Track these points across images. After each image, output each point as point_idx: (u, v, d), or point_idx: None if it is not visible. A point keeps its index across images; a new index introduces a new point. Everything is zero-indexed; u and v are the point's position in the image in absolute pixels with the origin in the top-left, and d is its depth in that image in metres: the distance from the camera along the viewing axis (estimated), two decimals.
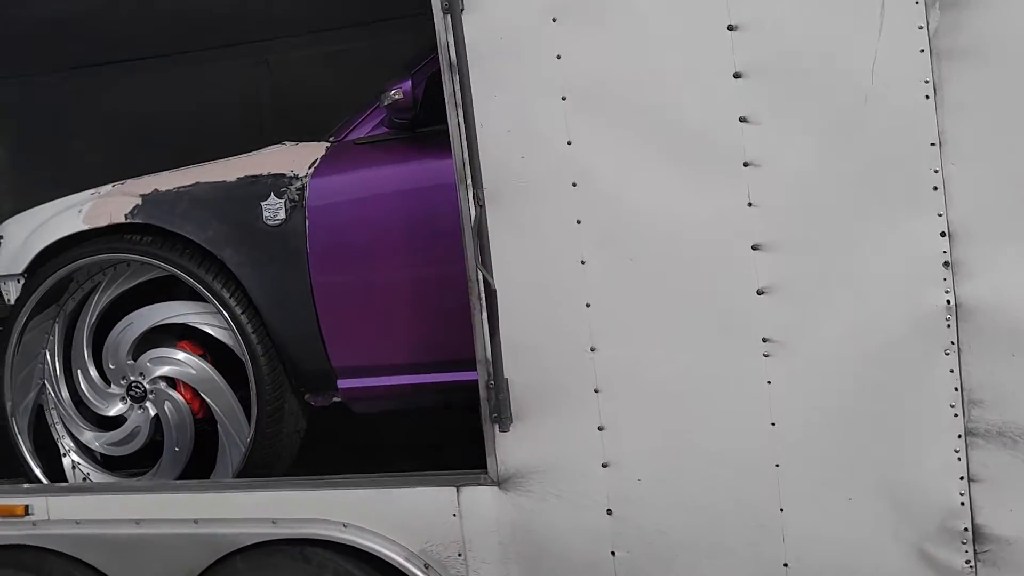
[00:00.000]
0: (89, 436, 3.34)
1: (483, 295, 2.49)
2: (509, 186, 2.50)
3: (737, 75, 2.37)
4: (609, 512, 2.52)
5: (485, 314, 2.55)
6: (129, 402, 3.28)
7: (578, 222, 2.48)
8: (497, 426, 2.57)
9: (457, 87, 2.52)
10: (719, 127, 2.39)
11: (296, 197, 3.03)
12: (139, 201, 3.16)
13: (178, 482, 3.13)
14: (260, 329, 3.08)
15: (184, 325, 3.27)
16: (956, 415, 2.32)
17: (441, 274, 2.91)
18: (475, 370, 2.79)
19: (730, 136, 2.38)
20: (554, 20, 2.45)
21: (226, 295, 3.08)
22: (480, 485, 2.60)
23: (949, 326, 2.30)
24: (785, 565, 2.42)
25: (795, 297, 2.38)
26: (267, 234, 3.06)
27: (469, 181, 2.54)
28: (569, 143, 2.48)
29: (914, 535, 2.36)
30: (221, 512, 2.78)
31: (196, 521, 2.78)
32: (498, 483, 2.59)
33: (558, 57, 2.46)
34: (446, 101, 2.55)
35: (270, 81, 4.94)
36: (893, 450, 2.36)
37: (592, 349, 2.50)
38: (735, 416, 2.43)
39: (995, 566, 2.32)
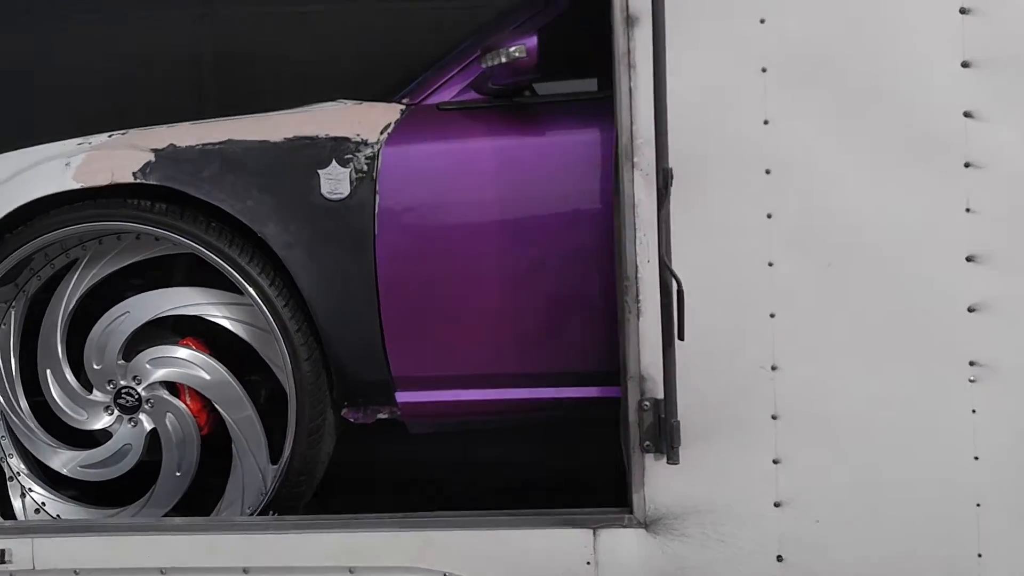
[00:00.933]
0: (56, 455, 2.63)
1: (660, 297, 2.06)
2: (687, 168, 2.09)
3: (965, 64, 2.07)
4: (780, 559, 2.14)
5: (641, 320, 2.12)
6: (117, 413, 2.60)
7: (768, 216, 2.11)
8: (650, 456, 2.15)
9: (632, 46, 2.10)
10: (940, 121, 2.08)
11: (364, 167, 2.49)
12: (151, 157, 2.51)
13: (221, 520, 2.49)
14: (305, 326, 2.50)
15: (181, 320, 2.65)
16: None
17: (543, 272, 2.46)
18: (588, 385, 2.38)
19: (951, 132, 2.08)
20: None
21: (264, 282, 2.49)
22: (623, 527, 2.16)
23: None
24: None
25: (1009, 317, 2.10)
26: (325, 210, 2.49)
27: (635, 159, 2.12)
28: (766, 122, 2.10)
29: None
30: (280, 559, 2.19)
31: (246, 571, 2.18)
32: (646, 525, 2.16)
33: (761, 21, 2.09)
34: (616, 62, 2.12)
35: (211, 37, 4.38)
36: None
37: (773, 368, 2.13)
38: (933, 449, 2.12)
39: None
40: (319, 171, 2.49)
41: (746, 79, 2.09)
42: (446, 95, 2.58)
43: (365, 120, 2.54)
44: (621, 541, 2.16)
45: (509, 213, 2.48)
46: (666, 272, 2.02)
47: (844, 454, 2.13)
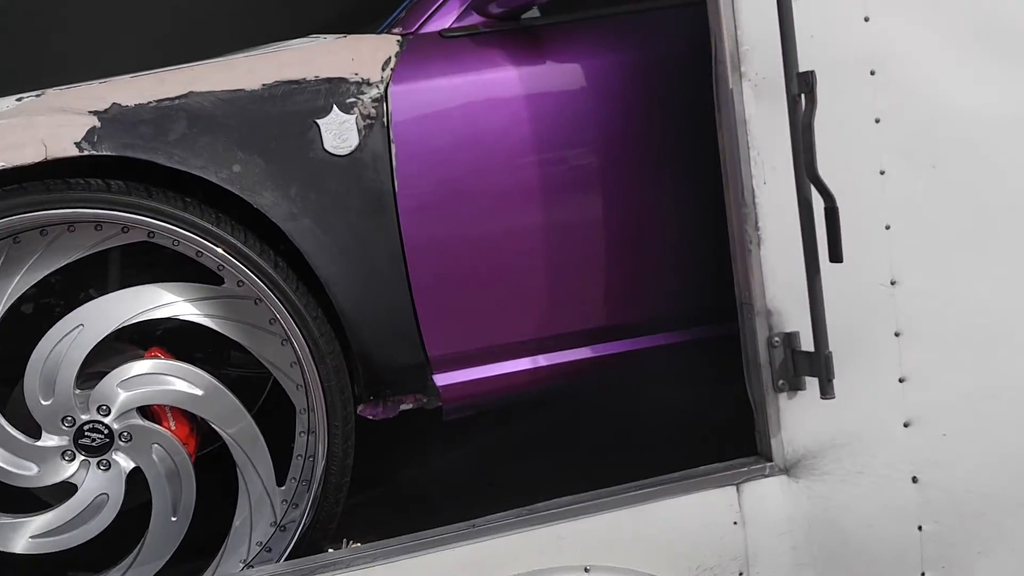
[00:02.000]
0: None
1: (800, 218, 1.85)
2: (780, 75, 1.88)
3: None
4: (914, 480, 2.03)
5: (763, 248, 1.91)
6: (82, 457, 2.00)
7: (877, 121, 1.96)
8: (783, 396, 1.95)
9: None
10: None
11: (372, 112, 2.05)
12: (95, 122, 1.92)
13: (307, 563, 1.96)
14: (320, 315, 2.04)
15: (126, 328, 2.08)
16: None
17: (592, 216, 2.18)
18: (664, 332, 2.16)
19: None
20: None
21: (267, 265, 1.99)
22: (766, 477, 1.96)
23: None
24: None
25: None
26: (331, 167, 2.03)
27: (743, 68, 1.88)
28: (867, 19, 1.94)
29: None
30: None
31: None
32: (787, 470, 1.96)
33: None
34: None
35: None
36: None
37: (892, 283, 2.00)
38: None
39: None
40: (317, 121, 2.03)
41: None
42: (445, 21, 2.18)
43: (359, 55, 2.09)
44: (766, 493, 1.95)
45: (548, 153, 2.15)
46: (807, 189, 1.81)
47: (964, 364, 2.05)
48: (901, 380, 2.02)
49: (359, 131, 2.04)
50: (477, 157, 2.11)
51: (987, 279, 2.03)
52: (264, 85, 2.02)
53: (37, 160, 1.87)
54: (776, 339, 1.93)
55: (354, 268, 2.05)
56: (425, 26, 2.17)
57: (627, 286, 2.20)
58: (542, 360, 2.21)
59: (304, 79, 2.04)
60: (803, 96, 1.79)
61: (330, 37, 2.17)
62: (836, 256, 1.80)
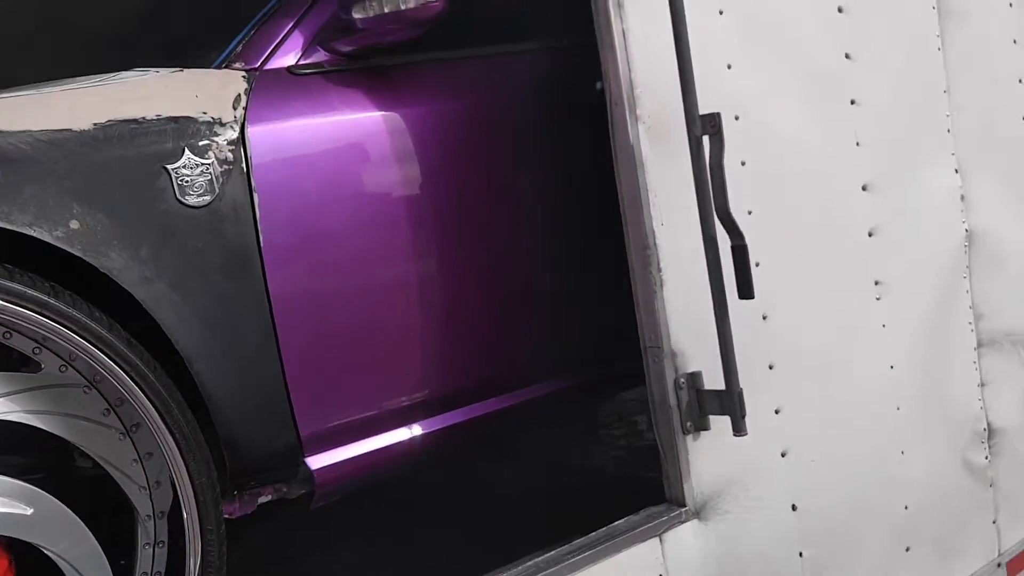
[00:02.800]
0: None
1: (706, 256, 1.86)
2: (672, 116, 1.91)
3: (840, 9, 2.25)
4: (794, 507, 2.11)
5: (666, 290, 1.90)
6: None
7: (743, 164, 2.03)
8: (691, 438, 1.94)
9: None
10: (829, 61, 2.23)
11: (230, 156, 1.76)
12: None
13: None
14: (182, 399, 1.69)
15: None
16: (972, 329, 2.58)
17: (487, 265, 2.05)
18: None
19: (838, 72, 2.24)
20: None
21: (119, 342, 1.61)
22: (682, 523, 1.92)
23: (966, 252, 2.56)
24: (905, 508, 2.36)
25: (894, 237, 2.35)
26: (187, 221, 1.71)
27: (638, 111, 1.87)
28: (729, 67, 2.02)
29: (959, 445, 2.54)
30: None
31: None
32: (697, 514, 1.95)
33: None
34: (599, 1, 1.83)
35: None
36: (946, 376, 2.51)
37: (764, 318, 2.07)
38: (861, 365, 2.28)
39: (999, 456, 2.65)
40: (167, 167, 1.70)
41: (708, 23, 1.97)
42: (291, 57, 1.94)
43: (203, 92, 1.79)
44: (683, 539, 1.92)
45: (417, 202, 1.98)
46: (712, 228, 1.83)
47: (821, 393, 2.18)
48: (777, 411, 2.09)
49: (216, 178, 1.74)
50: (345, 205, 1.89)
51: (812, 305, 2.17)
52: (96, 125, 1.66)
53: None
54: (682, 380, 1.92)
55: (219, 338, 1.73)
56: (270, 61, 1.92)
57: (505, 339, 2.07)
58: (426, 426, 2.02)
59: (144, 118, 1.70)
60: (708, 137, 1.81)
61: (161, 71, 1.84)
62: (747, 293, 1.83)
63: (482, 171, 2.06)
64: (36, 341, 1.58)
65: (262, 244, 1.77)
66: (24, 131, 1.59)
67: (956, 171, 2.52)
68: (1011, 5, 2.73)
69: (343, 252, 1.88)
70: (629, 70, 1.86)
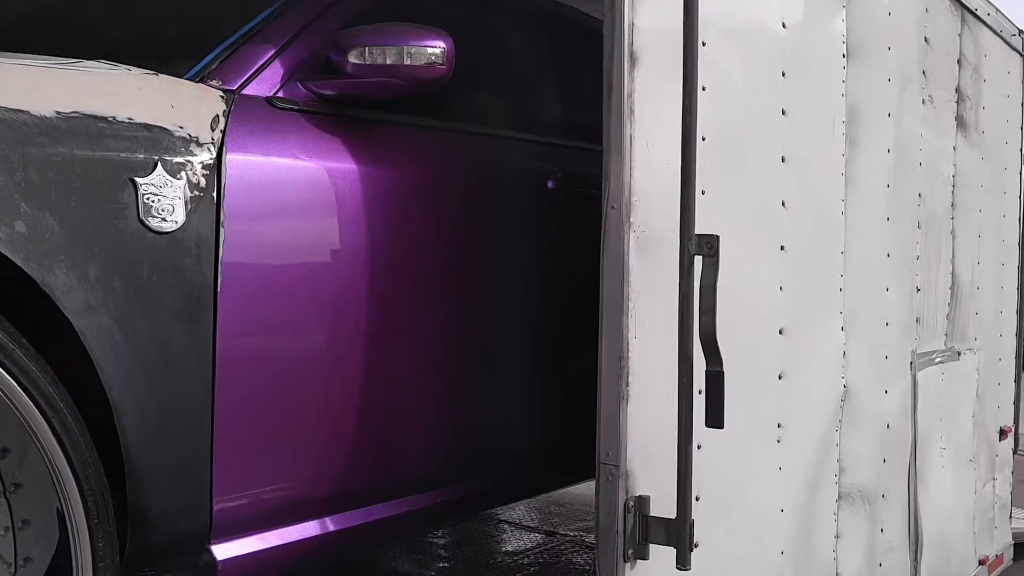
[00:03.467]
0: None
1: (679, 379, 1.79)
2: (664, 230, 1.87)
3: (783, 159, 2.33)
4: None
5: (630, 406, 1.81)
6: None
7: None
8: (628, 566, 1.83)
9: (633, 88, 1.79)
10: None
11: (203, 182, 1.52)
12: None
13: None
14: (92, 452, 1.38)
15: None
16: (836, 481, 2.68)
17: (432, 352, 1.88)
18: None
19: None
20: None
21: (43, 380, 1.30)
22: None
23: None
24: None
25: (797, 382, 2.41)
26: (145, 247, 1.44)
27: (632, 219, 1.80)
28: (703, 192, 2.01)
29: None
30: None
31: None
32: None
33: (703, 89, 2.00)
34: (611, 106, 1.77)
35: None
36: (813, 524, 2.58)
37: (699, 447, 2.03)
38: (763, 506, 2.29)
39: None
40: (135, 180, 1.43)
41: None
42: (270, 86, 1.73)
43: (179, 104, 1.54)
44: None
45: (387, 268, 1.80)
46: (690, 349, 1.78)
47: (721, 524, 2.16)
48: (696, 544, 2.04)
49: (185, 203, 1.49)
50: (309, 266, 1.68)
51: (749, 449, 2.18)
52: (59, 113, 1.37)
53: None
54: (631, 503, 1.83)
55: (154, 391, 1.45)
56: (248, 87, 1.69)
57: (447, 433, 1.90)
58: (347, 520, 1.78)
59: (115, 118, 1.43)
60: (703, 258, 1.77)
61: (133, 69, 1.57)
62: (716, 422, 1.79)
63: (449, 250, 1.91)
64: None
65: (219, 289, 1.52)
66: None
67: (842, 328, 2.66)
68: (889, 186, 2.97)
69: (300, 314, 1.65)
70: (629, 177, 1.80)
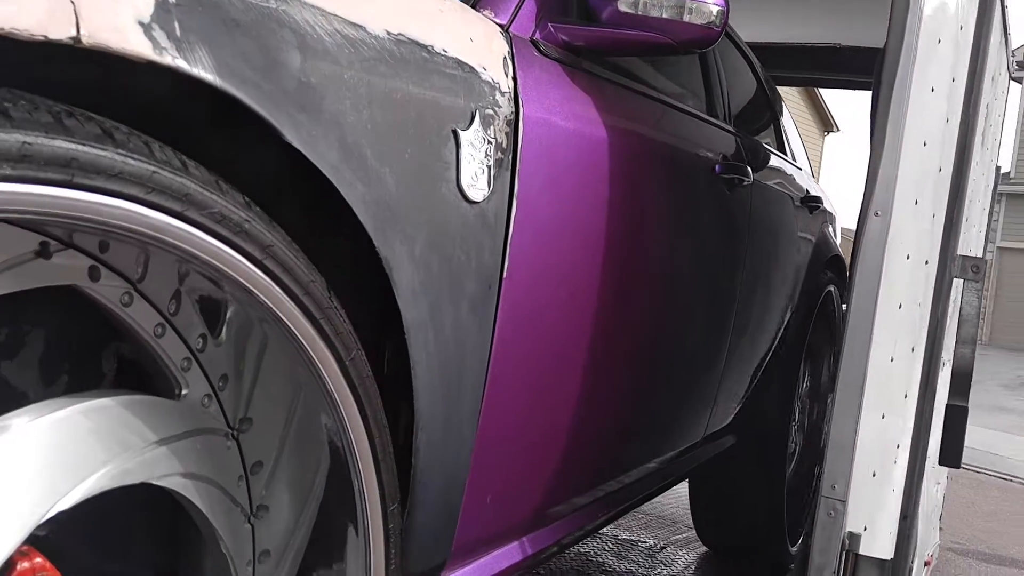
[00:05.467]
0: None
1: (922, 409, 1.63)
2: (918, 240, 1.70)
3: None
4: None
5: (863, 431, 1.65)
6: None
7: None
8: None
9: (911, 80, 1.60)
10: None
11: (504, 141, 1.22)
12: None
13: None
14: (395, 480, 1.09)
15: None
16: None
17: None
18: None
19: None
20: None
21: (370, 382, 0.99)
22: None
23: None
24: None
25: None
26: (459, 221, 1.13)
27: (891, 229, 1.62)
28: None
29: None
30: None
31: None
32: None
33: None
34: (892, 99, 1.57)
35: None
36: None
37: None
38: None
39: None
40: (457, 131, 1.12)
41: None
42: (526, 24, 1.41)
43: (477, 38, 1.23)
44: None
45: (675, 251, 1.54)
46: (936, 378, 1.63)
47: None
48: None
49: (491, 167, 1.19)
50: (598, 238, 1.40)
51: None
52: (389, 35, 1.04)
53: (53, 38, 0.64)
54: (845, 541, 1.66)
55: (444, 401, 1.15)
56: (513, 25, 1.38)
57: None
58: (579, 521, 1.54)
59: (432, 47, 1.11)
60: (964, 282, 1.62)
61: None
62: (953, 460, 1.65)
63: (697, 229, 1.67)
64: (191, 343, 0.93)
65: (504, 275, 1.23)
66: (317, 6, 0.94)
67: None
68: None
69: (583, 308, 1.38)
70: (896, 178, 1.62)
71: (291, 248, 0.86)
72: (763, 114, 2.79)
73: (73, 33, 0.65)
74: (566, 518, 1.54)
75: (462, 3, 1.30)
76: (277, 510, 1.03)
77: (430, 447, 1.13)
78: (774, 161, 2.58)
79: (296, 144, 0.86)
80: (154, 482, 0.85)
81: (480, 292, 1.18)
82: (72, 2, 0.66)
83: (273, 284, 0.84)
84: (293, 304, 0.86)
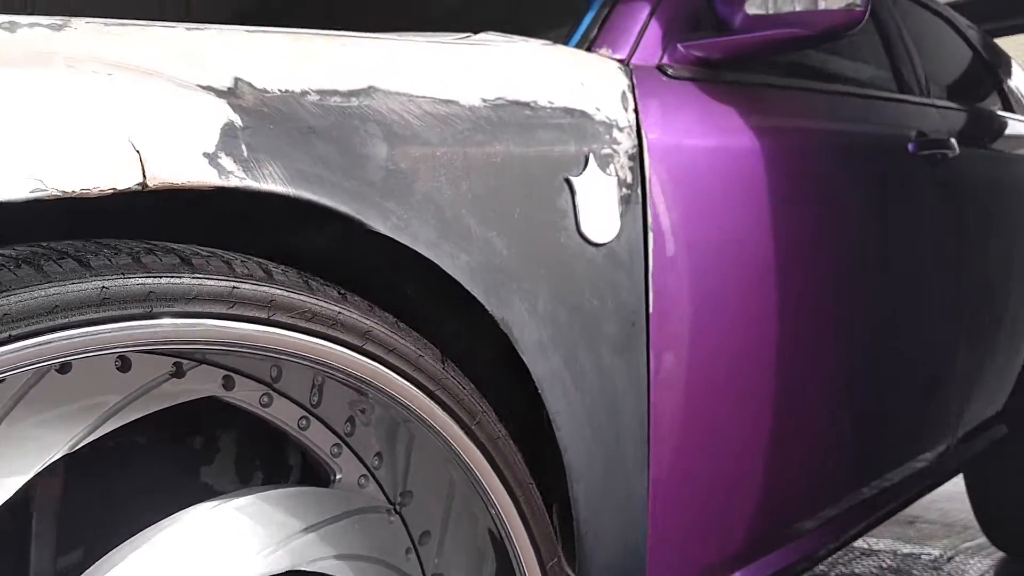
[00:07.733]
0: None
1: None
2: None
3: None
4: None
5: None
6: None
7: None
8: None
9: None
10: None
11: (628, 177, 1.20)
12: (229, 113, 0.81)
13: None
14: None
15: None
16: None
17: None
18: None
19: None
20: None
21: (505, 440, 1.01)
22: None
23: None
24: None
25: None
26: (585, 265, 1.13)
27: None
28: None
29: None
30: None
31: None
32: None
33: None
34: None
35: None
36: None
37: None
38: None
39: None
40: (570, 179, 1.12)
41: None
42: (651, 52, 1.39)
43: (589, 80, 1.22)
44: None
45: (835, 260, 1.47)
46: None
47: None
48: None
49: (617, 205, 1.17)
50: (751, 259, 1.36)
51: None
52: (486, 101, 1.06)
53: (121, 188, 0.72)
54: None
55: (600, 448, 1.14)
56: (636, 55, 1.37)
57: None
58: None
59: (536, 103, 1.12)
60: None
61: (532, 40, 1.25)
62: None
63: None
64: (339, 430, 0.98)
65: (650, 310, 1.21)
66: (404, 93, 0.99)
67: None
68: None
69: (741, 337, 1.34)
70: None
71: (394, 329, 0.89)
72: (979, 76, 2.55)
73: (140, 179, 0.73)
74: (792, 543, 1.47)
75: (575, 49, 1.30)
76: None
77: (589, 496, 1.12)
78: (998, 125, 2.35)
79: (384, 232, 0.90)
80: (303, 567, 0.91)
81: (622, 332, 1.17)
82: (137, 150, 0.73)
83: (379, 366, 0.88)
84: (404, 380, 0.89)
